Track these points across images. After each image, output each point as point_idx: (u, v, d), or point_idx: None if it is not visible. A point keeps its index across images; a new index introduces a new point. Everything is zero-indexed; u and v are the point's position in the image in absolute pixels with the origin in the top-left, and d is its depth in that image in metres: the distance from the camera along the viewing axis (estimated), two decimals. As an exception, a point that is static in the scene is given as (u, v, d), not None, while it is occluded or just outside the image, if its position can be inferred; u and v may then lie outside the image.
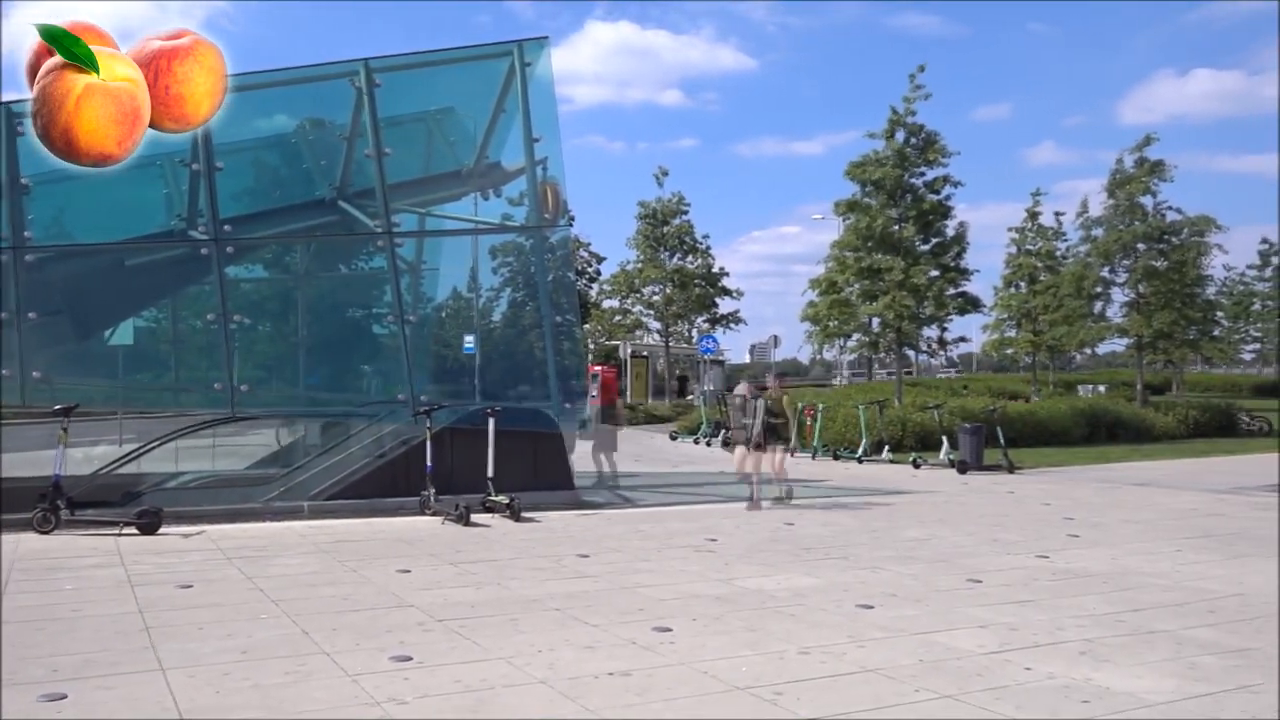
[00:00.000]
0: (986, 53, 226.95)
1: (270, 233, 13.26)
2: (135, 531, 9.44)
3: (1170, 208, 28.70)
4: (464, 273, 15.57)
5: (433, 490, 10.99)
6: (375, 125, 12.06)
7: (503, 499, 10.93)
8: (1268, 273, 52.72)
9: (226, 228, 11.84)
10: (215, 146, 11.71)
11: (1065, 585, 7.51)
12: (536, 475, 12.34)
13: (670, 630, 5.95)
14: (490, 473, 11.27)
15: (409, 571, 7.77)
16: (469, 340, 15.46)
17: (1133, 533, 10.25)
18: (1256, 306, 52.96)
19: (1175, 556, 8.82)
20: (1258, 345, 57.07)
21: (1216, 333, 32.58)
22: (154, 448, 12.23)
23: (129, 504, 10.57)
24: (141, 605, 6.46)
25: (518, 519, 10.62)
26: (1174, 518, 11.45)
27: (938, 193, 25.37)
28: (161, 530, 9.55)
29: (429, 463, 11.11)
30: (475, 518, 10.48)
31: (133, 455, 12.09)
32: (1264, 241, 53.51)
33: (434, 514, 10.80)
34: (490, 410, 11.60)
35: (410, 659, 5.25)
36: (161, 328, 13.47)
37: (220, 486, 12.04)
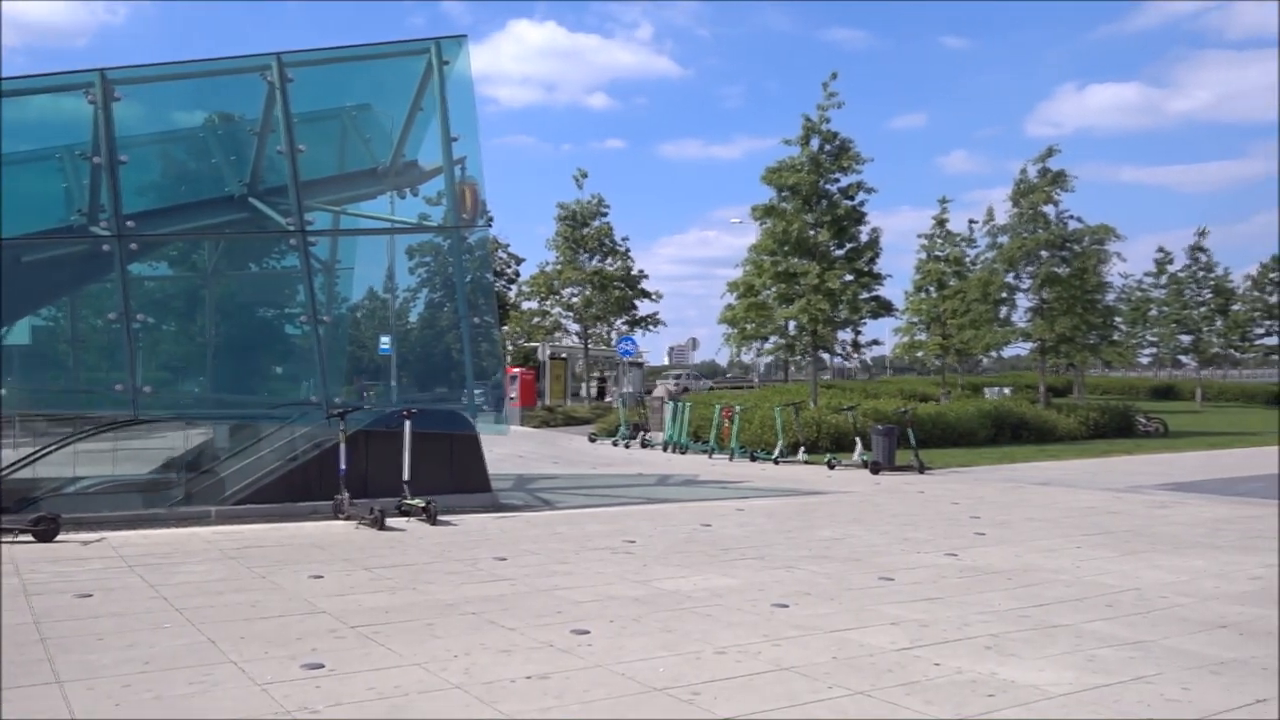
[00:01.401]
0: (905, 65, 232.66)
1: (176, 229, 12.87)
2: (30, 539, 9.05)
3: (1071, 216, 29.76)
4: (380, 273, 15.35)
5: (347, 494, 10.79)
6: (288, 121, 11.78)
7: (419, 502, 10.78)
8: (1163, 280, 55.03)
9: (130, 224, 11.44)
10: (118, 139, 11.30)
11: (972, 582, 7.73)
12: (453, 478, 12.21)
13: (588, 632, 5.95)
14: (406, 476, 11.11)
15: (321, 577, 7.62)
16: (385, 341, 15.24)
17: (1036, 530, 10.60)
18: (1153, 312, 55.23)
19: (1076, 553, 9.14)
20: (1154, 350, 59.49)
21: (1115, 337, 33.90)
22: (51, 452, 11.73)
23: (24, 510, 10.12)
24: (38, 616, 6.20)
25: (434, 522, 10.49)
26: (1074, 516, 11.87)
27: (852, 199, 25.87)
28: (59, 537, 9.17)
29: (343, 466, 10.90)
30: (391, 521, 10.32)
31: (28, 459, 11.59)
32: (1160, 250, 55.84)
33: (348, 518, 10.60)
34: (406, 412, 11.44)
35: (322, 666, 5.14)
36: (60, 327, 12.96)
37: (122, 492, 11.62)
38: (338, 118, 13.60)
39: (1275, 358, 59.80)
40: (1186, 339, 54.32)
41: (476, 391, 12.98)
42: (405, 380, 15.13)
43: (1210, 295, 53.39)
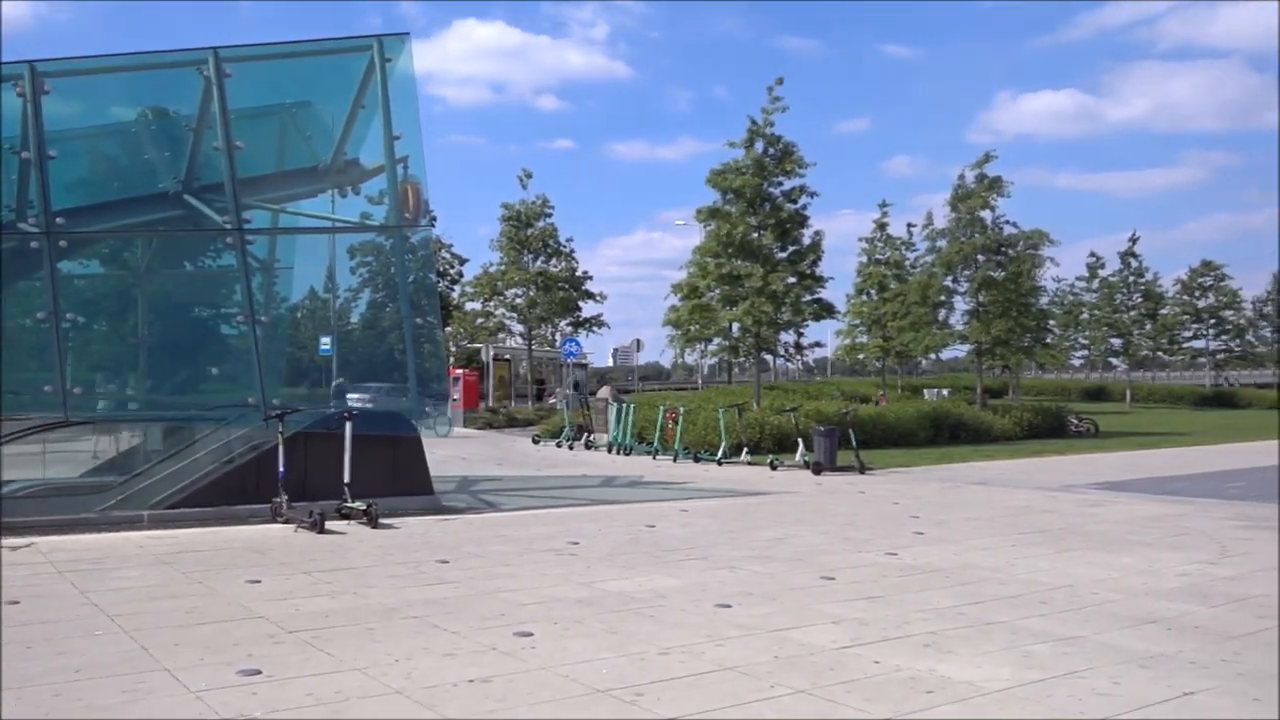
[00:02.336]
0: (850, 71, 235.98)
1: (108, 227, 12.55)
2: (-48, 545, 8.75)
3: (1007, 222, 30.43)
4: (320, 272, 15.13)
5: (285, 497, 10.61)
6: (225, 117, 11.54)
7: (359, 505, 10.64)
8: (1095, 284, 56.49)
9: (59, 220, 11.13)
10: (48, 134, 10.99)
11: (911, 581, 7.85)
12: (395, 480, 12.06)
13: (531, 635, 5.92)
14: (347, 478, 10.96)
15: (259, 582, 7.48)
16: (325, 342, 15.03)
17: (973, 529, 10.80)
18: (1084, 316, 56.69)
19: (1011, 551, 9.34)
20: (1085, 352, 61.10)
21: (1049, 340, 34.75)
22: (-25, 455, 11.36)
23: (-54, 516, 9.79)
24: (-41, 625, 6.00)
25: (375, 525, 10.36)
26: (1010, 515, 12.13)
27: (795, 202, 26.14)
28: (-17, 543, 8.88)
29: (281, 468, 10.71)
30: (331, 525, 10.17)
31: (-49, 463, 11.21)
32: (1092, 255, 57.36)
33: (286, 521, 10.42)
34: (347, 413, 11.28)
35: (259, 672, 5.05)
36: (-14, 326, 12.55)
37: (51, 495, 11.27)
38: (277, 114, 13.37)
39: (1202, 360, 61.78)
40: (1117, 342, 55.87)
41: (420, 392, 12.85)
42: (346, 381, 14.92)
43: (1140, 300, 54.97)
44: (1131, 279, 55.12)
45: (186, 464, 11.61)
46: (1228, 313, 59.83)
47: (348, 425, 11.07)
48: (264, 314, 12.63)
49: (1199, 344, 60.75)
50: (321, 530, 9.89)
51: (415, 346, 12.91)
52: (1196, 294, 59.41)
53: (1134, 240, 55.61)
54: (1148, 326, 55.28)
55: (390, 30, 12.88)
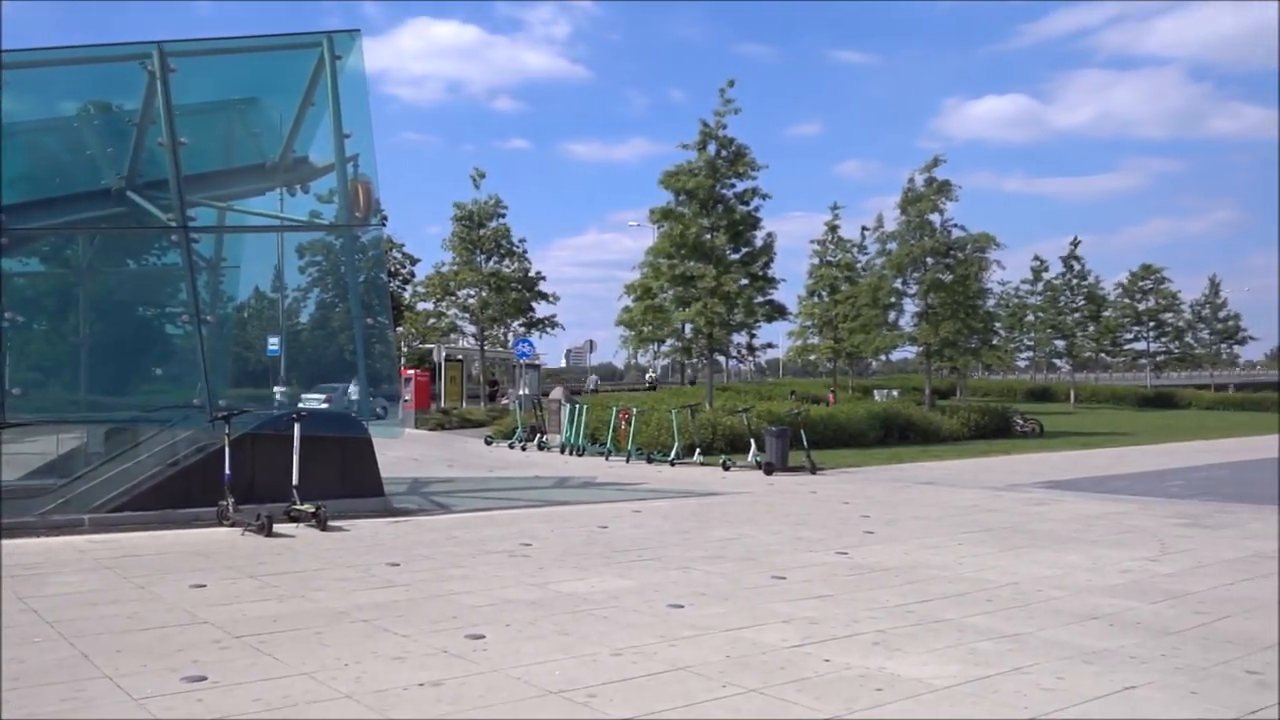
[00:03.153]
0: (802, 76, 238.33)
1: (49, 223, 12.24)
2: (-117, 551, 8.48)
3: (955, 225, 30.90)
4: (268, 271, 14.90)
5: (231, 500, 10.43)
6: (169, 112, 11.32)
7: (308, 507, 10.49)
8: (1040, 287, 57.57)
9: (-1, 216, 10.84)
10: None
11: (861, 580, 7.94)
12: (345, 482, 11.91)
13: (483, 637, 5.89)
14: (295, 480, 10.81)
15: (204, 586, 7.35)
16: (273, 342, 14.81)
17: (922, 528, 10.94)
18: (1029, 318, 57.75)
19: (959, 550, 9.48)
20: (1030, 353, 62.26)
21: (995, 342, 35.32)
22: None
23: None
24: (-110, 633, 5.82)
25: (324, 528, 10.23)
26: (957, 514, 12.31)
27: (747, 204, 26.30)
28: (-85, 549, 8.62)
29: (227, 471, 10.53)
30: (279, 527, 10.02)
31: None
32: (1036, 259, 58.44)
33: (233, 525, 10.24)
34: (295, 415, 11.12)
35: (204, 679, 4.96)
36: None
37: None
38: (223, 111, 13.16)
39: (1143, 362, 63.23)
40: (1061, 343, 57.03)
41: (369, 393, 12.72)
42: (295, 382, 14.72)
43: (1083, 302, 56.14)
44: (1074, 282, 56.32)
45: (129, 466, 11.37)
46: (1167, 315, 61.32)
47: (296, 426, 10.92)
48: (209, 313, 12.42)
49: (1140, 346, 62.18)
50: (269, 533, 9.74)
51: (366, 347, 12.77)
52: (1137, 297, 60.81)
53: (1076, 244, 56.85)
54: (1090, 329, 56.51)
55: (342, 27, 12.66)
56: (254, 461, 11.17)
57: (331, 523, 10.39)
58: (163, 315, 13.58)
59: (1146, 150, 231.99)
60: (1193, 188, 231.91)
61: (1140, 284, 61.24)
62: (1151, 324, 61.21)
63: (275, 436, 11.19)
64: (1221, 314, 67.47)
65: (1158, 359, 62.64)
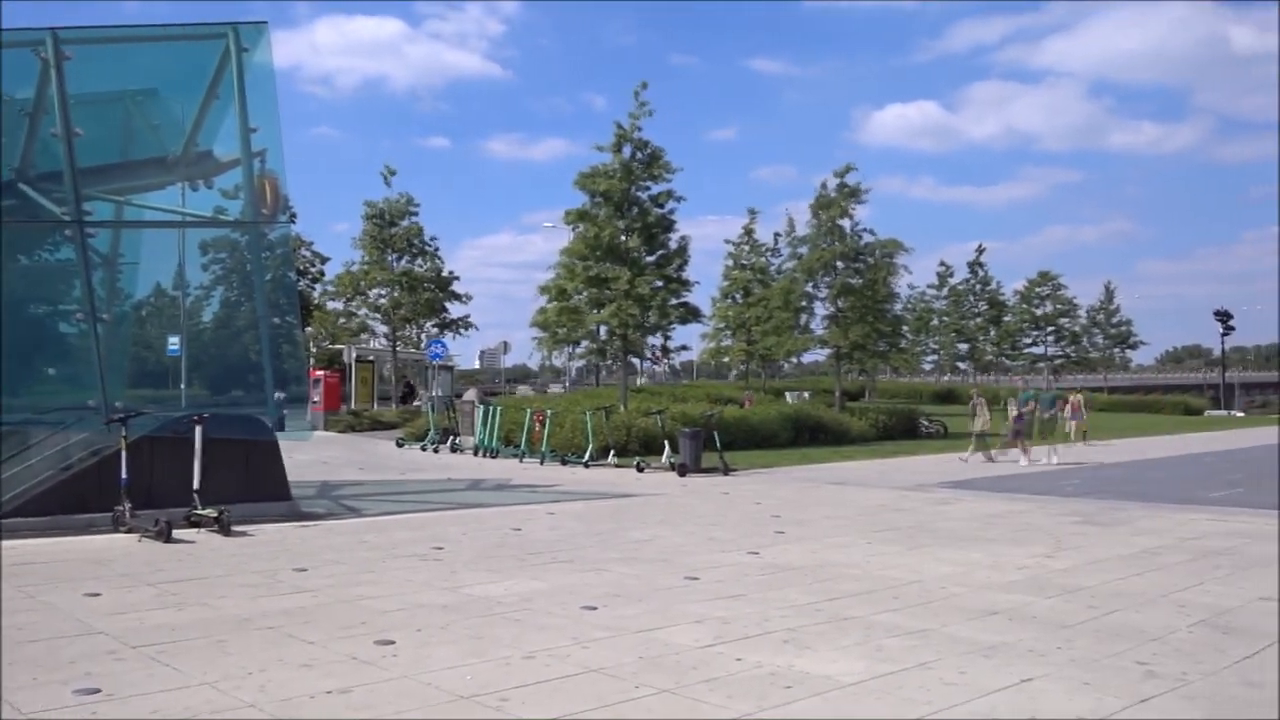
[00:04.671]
0: (719, 82, 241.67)
1: (-69, 216, 11.63)
2: None
3: (865, 230, 31.57)
4: (169, 268, 14.42)
5: (129, 505, 10.04)
6: (64, 102, 10.86)
7: (210, 512, 10.18)
8: (944, 292, 59.21)
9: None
10: None
11: (772, 579, 8.05)
12: (250, 486, 11.59)
13: (394, 642, 5.80)
14: (197, 484, 10.48)
15: (98, 595, 7.07)
16: (174, 341, 14.34)
17: (831, 528, 11.16)
18: (935, 322, 59.34)
19: (867, 549, 9.69)
20: (936, 356, 63.94)
21: (902, 345, 36.19)
22: None
23: None
24: None
25: (227, 533, 9.94)
26: (866, 513, 12.58)
27: (662, 206, 26.41)
28: None
29: (124, 474, 10.14)
30: (179, 533, 9.69)
31: None
32: (942, 264, 60.10)
33: (130, 531, 9.87)
34: (197, 417, 10.78)
35: (98, 691, 4.77)
36: None
37: None
38: (122, 101, 12.68)
39: (1041, 365, 65.46)
40: (964, 347, 58.74)
41: (276, 395, 12.40)
42: (197, 383, 14.28)
43: (985, 307, 57.93)
44: (977, 287, 58.09)
45: (20, 471, 10.84)
46: (1064, 320, 63.62)
47: (198, 429, 10.59)
48: (106, 311, 11.97)
49: (1038, 350, 64.37)
50: (168, 539, 9.42)
51: (273, 347, 12.45)
52: (1035, 302, 62.94)
53: (981, 251, 58.66)
54: (992, 333, 58.36)
55: (253, 19, 12.31)
56: (153, 465, 10.80)
57: (235, 528, 10.10)
58: (56, 313, 13.02)
59: (1046, 161, 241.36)
60: (1090, 198, 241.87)
61: (1038, 290, 63.41)
62: (1049, 329, 63.43)
63: (175, 439, 10.82)
64: (1115, 319, 70.34)
65: (1055, 362, 64.90)
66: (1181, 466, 21.85)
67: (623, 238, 25.80)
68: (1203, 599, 7.38)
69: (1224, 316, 61.48)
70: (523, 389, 31.60)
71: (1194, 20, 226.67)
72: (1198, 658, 5.70)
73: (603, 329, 26.66)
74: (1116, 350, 70.48)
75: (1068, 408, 26.23)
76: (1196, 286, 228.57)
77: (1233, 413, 62.23)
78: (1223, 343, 66.58)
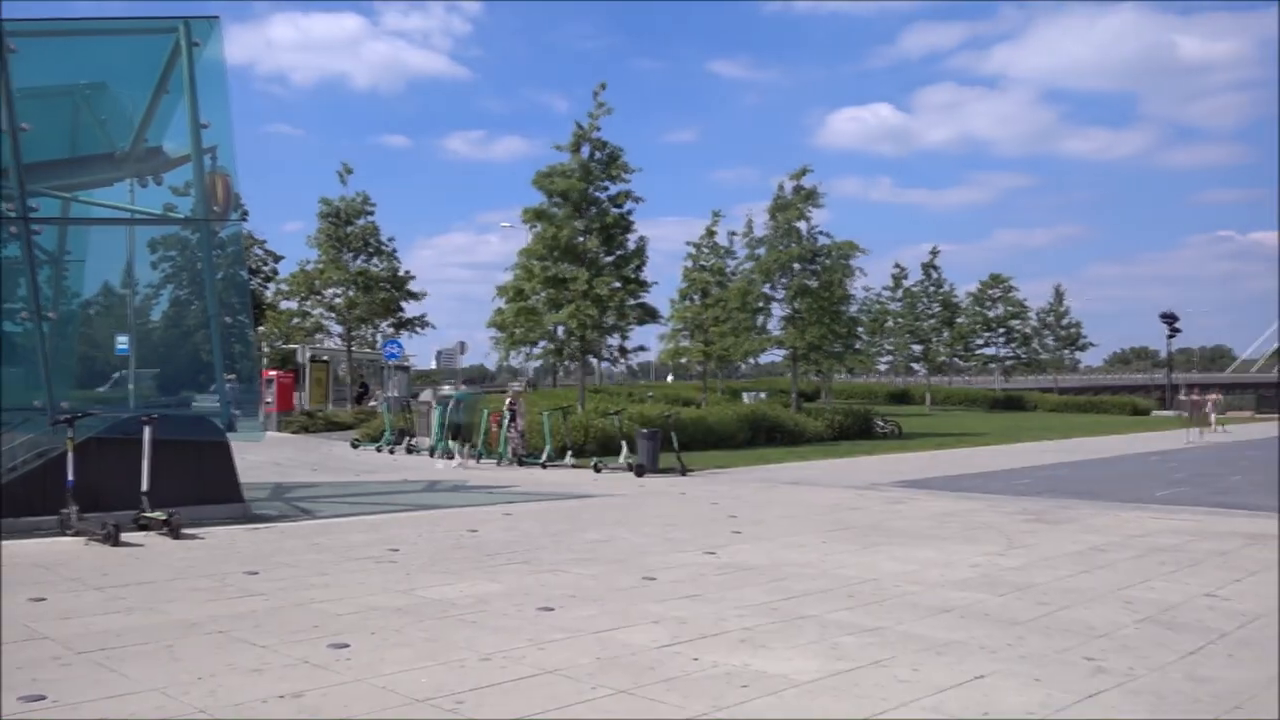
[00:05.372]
0: (679, 85, 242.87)
1: None
2: None
3: (821, 232, 31.79)
4: (118, 266, 14.14)
5: (75, 508, 9.83)
6: (8, 95, 10.59)
7: (159, 515, 10.00)
8: (899, 294, 59.85)
9: None
10: None
11: (729, 579, 8.08)
12: (200, 488, 11.39)
13: (347, 646, 5.73)
14: (145, 487, 10.28)
15: (43, 600, 6.91)
16: (122, 341, 14.06)
17: (787, 527, 11.23)
18: (889, 323, 59.93)
19: (822, 548, 9.77)
20: (890, 358, 64.56)
21: (858, 346, 36.47)
22: None
23: None
24: None
25: (177, 536, 9.77)
26: (821, 513, 12.68)
27: (620, 206, 26.41)
28: None
29: (70, 477, 9.93)
30: (127, 537, 9.51)
31: None
32: (896, 266, 60.72)
33: (77, 534, 9.66)
34: (146, 418, 10.58)
35: (43, 698, 4.66)
36: None
37: None
38: (69, 95, 12.41)
39: (993, 366, 66.46)
40: (918, 348, 59.41)
41: (228, 392, 12.21)
42: (147, 383, 14.00)
43: (939, 309, 58.66)
44: (931, 289, 58.79)
45: (-40, 473, 10.59)
46: (1015, 322, 64.60)
47: (146, 430, 10.39)
48: (51, 310, 11.71)
49: (990, 351, 65.31)
50: (116, 543, 9.24)
51: (224, 346, 12.25)
52: (987, 305, 63.84)
53: (935, 253, 59.36)
54: (945, 334, 59.08)
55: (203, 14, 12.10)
56: (100, 467, 10.57)
57: (185, 531, 9.93)
58: (0, 312, 12.70)
59: (999, 166, 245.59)
60: (1041, 203, 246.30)
61: (989, 292, 64.31)
62: (1001, 330, 64.35)
63: (124, 441, 10.61)
64: (1065, 322, 71.55)
65: (1006, 364, 65.86)
66: (1128, 465, 22.30)
67: (581, 238, 25.77)
68: (1149, 595, 7.54)
69: (1170, 319, 62.82)
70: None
71: (1140, 28, 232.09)
72: (1144, 653, 5.82)
73: (561, 329, 26.60)
74: (1066, 352, 71.71)
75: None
76: (1143, 289, 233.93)
77: (1179, 413, 63.58)
78: (1168, 344, 68.03)
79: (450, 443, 21.15)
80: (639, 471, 17.92)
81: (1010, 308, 63.87)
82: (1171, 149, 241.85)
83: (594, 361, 30.31)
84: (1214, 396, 33.02)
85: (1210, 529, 11.30)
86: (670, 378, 63.79)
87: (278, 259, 51.20)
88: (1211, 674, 5.41)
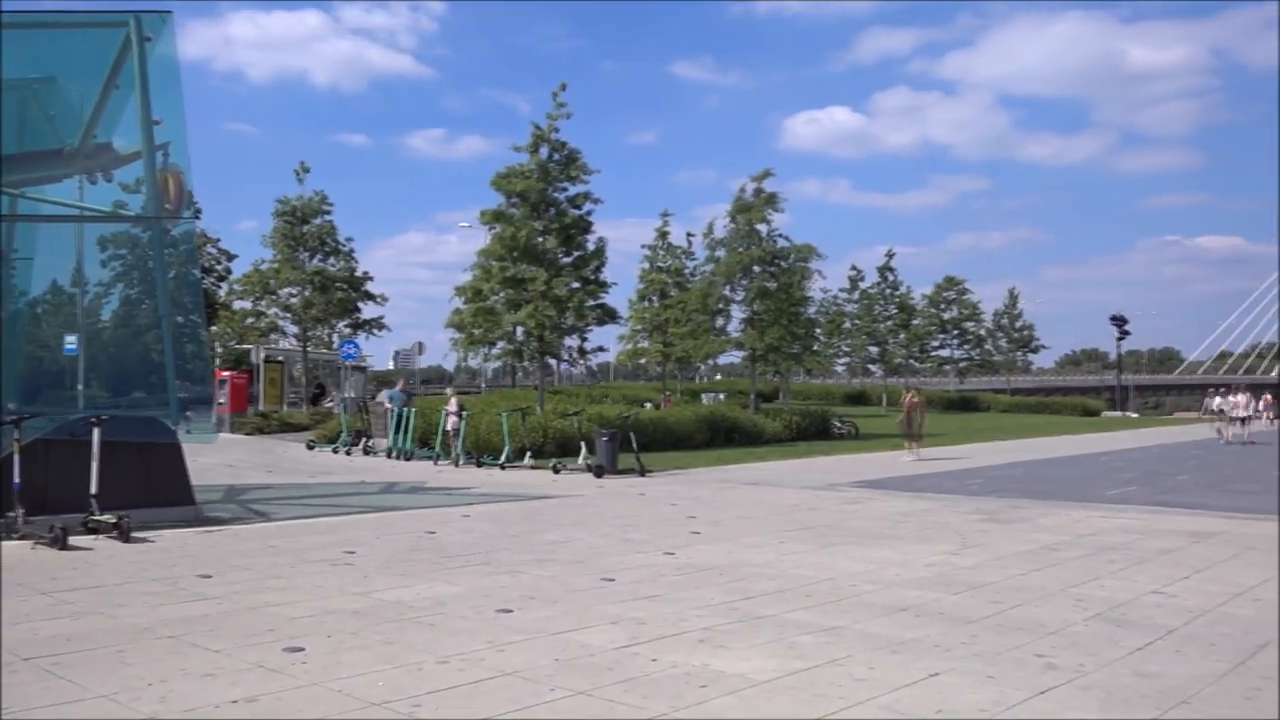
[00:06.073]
0: (641, 86, 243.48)
1: None
2: None
3: (780, 235, 31.99)
4: (67, 264, 13.87)
5: (21, 511, 9.62)
6: (-47, 89, 10.37)
7: (109, 518, 9.81)
8: (856, 296, 60.41)
9: None
10: None
11: (688, 579, 8.11)
12: (151, 491, 11.19)
13: (303, 650, 5.67)
14: (94, 489, 10.08)
15: (-12, 605, 6.75)
16: (71, 340, 13.79)
17: (745, 528, 11.28)
18: (847, 325, 60.47)
19: (780, 548, 9.83)
20: (847, 359, 65.15)
21: (816, 348, 36.77)
22: None
23: None
24: None
25: (127, 539, 9.59)
26: (779, 513, 12.76)
27: (579, 208, 26.38)
28: None
29: (16, 480, 9.71)
30: (76, 540, 9.32)
31: None
32: (853, 268, 61.30)
33: (23, 538, 9.45)
34: (95, 419, 10.38)
35: (-12, 706, 4.56)
36: None
37: None
38: (16, 90, 12.13)
39: (948, 368, 67.28)
40: (875, 349, 60.01)
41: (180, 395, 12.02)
42: (95, 384, 13.75)
43: (895, 311, 59.29)
44: (888, 291, 59.42)
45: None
46: (970, 324, 65.44)
47: (95, 432, 10.20)
48: (-2, 309, 11.45)
49: (945, 352, 66.11)
50: (64, 546, 9.05)
51: (176, 346, 12.06)
52: (942, 307, 64.62)
53: (891, 256, 60.03)
54: (901, 336, 59.73)
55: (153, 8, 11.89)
56: (48, 469, 10.35)
57: (135, 534, 9.76)
58: (-56, 310, 12.41)
59: (956, 170, 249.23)
60: (996, 207, 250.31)
61: (945, 294, 65.10)
62: (956, 332, 65.16)
63: (72, 442, 10.40)
64: (1018, 324, 72.64)
65: (961, 365, 66.72)
66: (1079, 466, 22.70)
67: (540, 239, 25.70)
68: (1099, 593, 7.68)
69: (1120, 321, 64.03)
70: (449, 391, 31.27)
71: (1087, 36, 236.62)
72: (1093, 650, 5.93)
73: (519, 330, 26.51)
74: (1019, 353, 72.77)
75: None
76: (1094, 292, 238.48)
77: (1127, 414, 64.93)
78: (1118, 347, 69.30)
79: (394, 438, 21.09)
80: (598, 472, 17.91)
81: (965, 310, 64.70)
82: (1122, 155, 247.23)
83: (553, 362, 30.20)
84: (1267, 397, 33.65)
85: (1157, 527, 11.54)
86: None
87: (231, 258, 50.46)
88: (1159, 669, 5.53)
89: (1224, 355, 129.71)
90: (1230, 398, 30.85)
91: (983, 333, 67.26)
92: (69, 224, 13.14)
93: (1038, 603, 7.31)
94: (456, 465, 19.91)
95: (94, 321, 14.80)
